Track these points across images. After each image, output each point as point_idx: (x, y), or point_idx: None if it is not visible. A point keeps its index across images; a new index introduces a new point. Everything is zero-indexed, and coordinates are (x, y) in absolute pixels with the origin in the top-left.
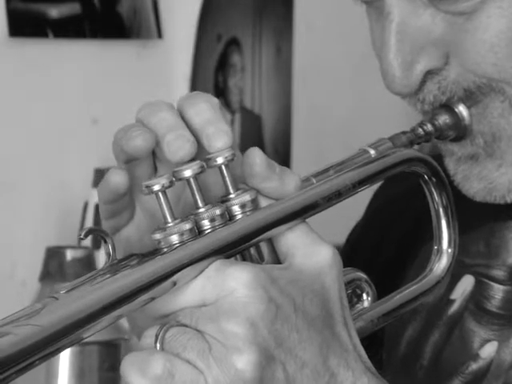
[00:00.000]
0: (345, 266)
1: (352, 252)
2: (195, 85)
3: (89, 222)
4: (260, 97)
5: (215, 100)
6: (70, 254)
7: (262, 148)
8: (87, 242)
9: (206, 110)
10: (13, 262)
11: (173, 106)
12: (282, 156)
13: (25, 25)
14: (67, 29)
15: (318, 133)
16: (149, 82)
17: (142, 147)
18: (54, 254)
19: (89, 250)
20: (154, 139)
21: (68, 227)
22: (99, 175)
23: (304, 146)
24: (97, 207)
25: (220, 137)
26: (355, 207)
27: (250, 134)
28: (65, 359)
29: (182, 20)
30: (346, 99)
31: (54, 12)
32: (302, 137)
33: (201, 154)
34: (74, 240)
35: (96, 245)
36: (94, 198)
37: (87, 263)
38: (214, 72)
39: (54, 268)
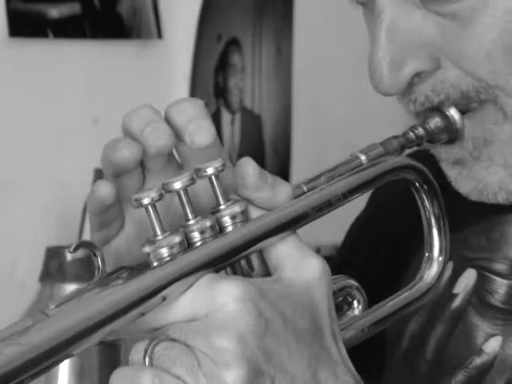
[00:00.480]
0: (345, 262)
1: (352, 249)
2: (195, 85)
3: (89, 222)
4: (260, 97)
5: (199, 101)
6: (69, 254)
7: (262, 148)
8: None
9: (187, 109)
10: (13, 261)
11: (154, 108)
12: (282, 156)
13: (25, 25)
14: (67, 29)
15: (318, 133)
16: (149, 82)
17: (130, 158)
18: (54, 254)
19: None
20: (141, 149)
21: (68, 227)
22: (99, 175)
23: (304, 146)
24: None
25: (201, 133)
26: (354, 206)
27: (250, 134)
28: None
29: (182, 20)
30: (346, 99)
31: (54, 12)
32: (302, 137)
33: (189, 161)
34: (73, 240)
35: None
36: None
37: (87, 263)
38: (213, 72)
39: (54, 268)
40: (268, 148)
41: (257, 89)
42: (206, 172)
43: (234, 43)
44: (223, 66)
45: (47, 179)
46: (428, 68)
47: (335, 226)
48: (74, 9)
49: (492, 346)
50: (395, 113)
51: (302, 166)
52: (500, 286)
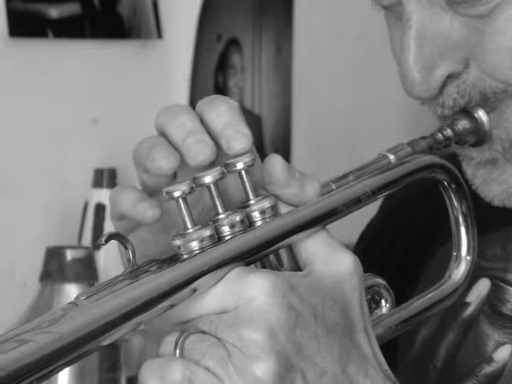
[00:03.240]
0: None
1: (364, 253)
2: (195, 85)
3: (89, 222)
4: (260, 97)
5: (235, 103)
6: (69, 254)
7: (262, 148)
8: (87, 241)
9: (225, 113)
10: (13, 261)
11: (192, 110)
12: (282, 156)
13: (25, 25)
14: (67, 29)
15: (318, 133)
16: (149, 82)
17: (167, 169)
18: (53, 254)
19: (89, 249)
20: (179, 159)
21: (68, 227)
22: (99, 175)
23: (304, 146)
24: (97, 207)
25: (239, 139)
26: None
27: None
28: None
29: (182, 20)
30: (346, 99)
31: (54, 12)
32: (301, 137)
33: (220, 156)
34: (74, 240)
35: (96, 245)
36: (94, 198)
37: (87, 263)
38: (214, 72)
39: (54, 268)
40: (268, 148)
41: (257, 89)
42: (235, 167)
43: (234, 43)
44: (223, 66)
45: (47, 179)
46: (459, 69)
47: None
48: (74, 9)
49: (502, 354)
50: (395, 113)
51: (302, 166)
52: None
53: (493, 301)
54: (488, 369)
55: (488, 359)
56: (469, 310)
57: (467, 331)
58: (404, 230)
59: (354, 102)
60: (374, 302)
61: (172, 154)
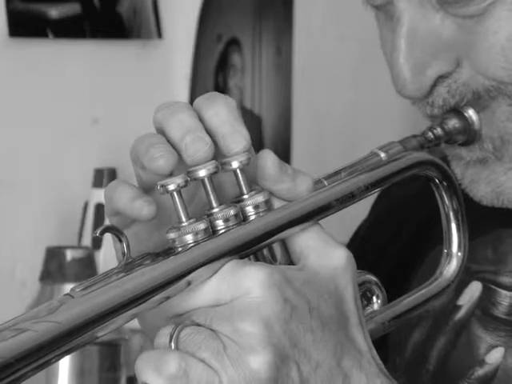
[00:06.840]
0: None
1: (357, 254)
2: (195, 85)
3: (89, 222)
4: (260, 97)
5: (232, 100)
6: (69, 254)
7: (262, 148)
8: (87, 241)
9: (223, 111)
10: (13, 261)
11: (190, 107)
12: (282, 156)
13: (25, 25)
14: (67, 29)
15: (318, 133)
16: (149, 82)
17: (165, 168)
18: (54, 254)
19: (89, 249)
20: (177, 158)
21: (68, 227)
22: (99, 175)
23: (304, 146)
24: (97, 207)
25: (237, 140)
26: (357, 208)
27: (250, 134)
28: (65, 359)
29: (182, 20)
30: (345, 99)
31: (54, 12)
32: (301, 137)
33: (217, 152)
34: (74, 240)
35: (96, 245)
36: (94, 198)
37: (87, 263)
38: (214, 72)
39: (54, 268)
40: (268, 148)
41: (257, 89)
42: (231, 166)
43: (234, 43)
44: (223, 66)
45: (47, 179)
46: (450, 69)
47: (338, 227)
48: (74, 9)
49: (494, 356)
50: (394, 113)
51: (302, 166)
52: (504, 298)
53: (484, 304)
54: (480, 371)
55: (480, 362)
56: (460, 313)
57: (459, 334)
58: (397, 231)
59: (353, 102)
60: (365, 299)
61: (171, 154)
